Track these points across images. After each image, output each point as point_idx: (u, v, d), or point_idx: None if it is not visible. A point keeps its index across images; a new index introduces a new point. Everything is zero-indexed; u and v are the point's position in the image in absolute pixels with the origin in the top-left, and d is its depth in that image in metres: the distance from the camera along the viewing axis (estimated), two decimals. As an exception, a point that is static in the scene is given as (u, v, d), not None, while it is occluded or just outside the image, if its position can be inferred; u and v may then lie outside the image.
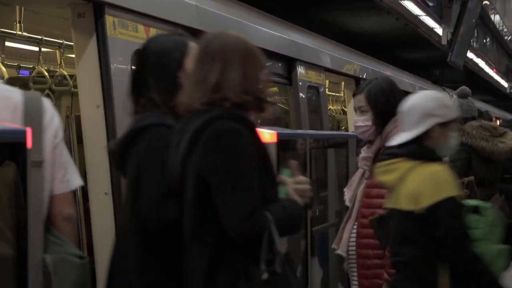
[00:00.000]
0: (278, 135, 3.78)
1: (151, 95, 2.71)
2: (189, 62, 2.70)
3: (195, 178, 2.44)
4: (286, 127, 6.57)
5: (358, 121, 3.68)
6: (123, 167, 2.70)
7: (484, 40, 24.22)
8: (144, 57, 2.79)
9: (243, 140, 2.43)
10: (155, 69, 2.73)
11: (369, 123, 3.63)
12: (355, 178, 3.81)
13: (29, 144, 2.00)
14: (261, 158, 2.47)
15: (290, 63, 6.55)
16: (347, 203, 3.80)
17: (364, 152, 3.74)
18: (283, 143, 4.15)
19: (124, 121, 3.90)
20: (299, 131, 6.12)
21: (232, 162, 2.39)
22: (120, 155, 2.69)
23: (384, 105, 3.64)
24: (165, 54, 2.73)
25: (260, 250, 2.38)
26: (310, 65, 6.95)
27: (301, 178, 2.58)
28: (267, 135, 3.72)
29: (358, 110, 3.70)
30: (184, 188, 2.48)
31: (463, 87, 6.53)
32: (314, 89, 7.10)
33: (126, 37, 4.02)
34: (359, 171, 3.79)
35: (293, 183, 2.55)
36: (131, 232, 2.60)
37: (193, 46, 2.76)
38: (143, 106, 2.73)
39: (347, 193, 3.82)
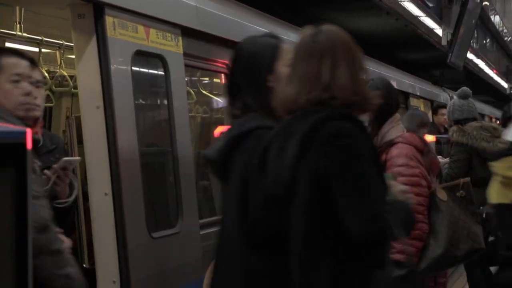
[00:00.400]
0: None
1: (245, 99, 2.64)
2: (281, 65, 2.65)
3: (311, 182, 2.33)
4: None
5: None
6: (224, 174, 2.63)
7: (484, 41, 24.22)
8: (235, 60, 2.74)
9: (359, 140, 2.35)
10: (246, 72, 2.67)
11: (365, 124, 3.63)
12: None
13: (29, 145, 2.00)
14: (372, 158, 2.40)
15: (290, 63, 6.54)
16: None
17: None
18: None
19: (124, 122, 3.91)
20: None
21: (353, 164, 2.31)
22: (222, 162, 2.63)
23: (381, 106, 3.65)
24: (255, 57, 2.67)
25: (381, 253, 2.32)
26: (310, 66, 6.94)
27: (404, 187, 2.54)
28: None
29: None
30: (293, 193, 2.37)
31: (464, 88, 6.52)
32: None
33: (126, 37, 4.02)
34: None
35: (397, 187, 2.49)
36: (237, 240, 2.54)
37: (285, 49, 2.71)
38: (240, 110, 2.66)
39: None
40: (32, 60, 3.04)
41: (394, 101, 3.68)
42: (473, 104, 6.29)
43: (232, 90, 2.71)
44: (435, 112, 9.92)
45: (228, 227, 2.62)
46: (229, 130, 2.66)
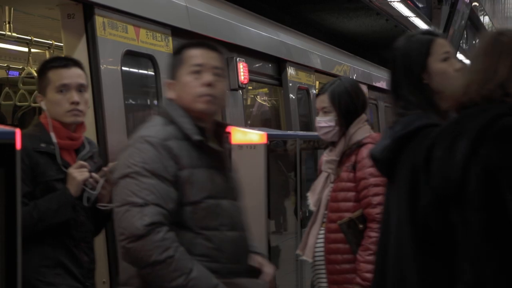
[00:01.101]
0: (268, 136, 3.78)
1: (406, 97, 2.64)
2: (434, 61, 2.64)
3: (483, 178, 2.31)
4: (277, 128, 6.57)
5: (321, 122, 3.62)
6: (391, 173, 2.63)
7: (474, 42, 24.30)
8: (393, 60, 2.74)
9: None
10: (402, 71, 2.67)
11: (333, 123, 3.57)
12: (318, 182, 3.74)
13: (18, 145, 2.00)
14: None
15: (280, 64, 6.55)
16: (312, 207, 3.75)
17: (327, 155, 3.68)
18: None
19: (114, 122, 3.90)
20: (289, 132, 6.13)
21: None
22: (389, 162, 2.61)
23: (348, 105, 3.60)
24: (408, 56, 2.67)
25: None
26: (300, 66, 6.96)
27: None
28: (256, 136, 3.71)
29: (321, 110, 3.65)
30: (464, 191, 2.35)
31: None
32: (304, 90, 7.10)
33: (116, 38, 4.02)
34: (323, 175, 3.69)
35: None
36: (409, 240, 2.52)
37: (439, 43, 2.68)
38: (403, 108, 2.64)
39: (311, 198, 3.76)
40: (219, 50, 2.77)
41: (361, 101, 3.65)
42: None
43: (395, 89, 2.72)
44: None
45: (394, 226, 2.60)
46: (395, 128, 2.65)
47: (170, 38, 4.56)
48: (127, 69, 4.19)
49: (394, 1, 10.93)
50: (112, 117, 3.88)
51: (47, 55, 5.40)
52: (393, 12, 11.28)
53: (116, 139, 3.89)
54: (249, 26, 6.01)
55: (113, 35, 3.99)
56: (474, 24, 22.84)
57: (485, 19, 26.20)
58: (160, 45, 4.45)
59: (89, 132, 3.79)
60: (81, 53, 3.82)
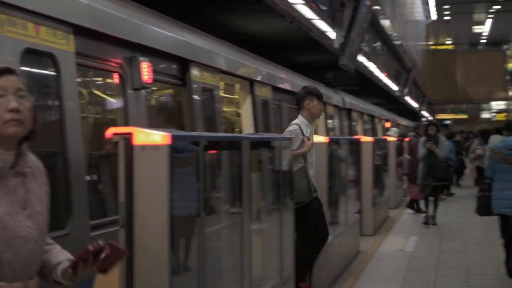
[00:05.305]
0: (172, 137, 3.75)
1: None
2: None
3: None
4: (180, 129, 6.54)
5: None
6: None
7: (375, 44, 24.88)
8: None
9: None
10: None
11: None
12: None
13: None
14: None
15: (184, 64, 6.53)
16: None
17: None
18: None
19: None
20: (193, 132, 6.11)
21: None
22: None
23: None
24: None
25: None
26: (204, 67, 6.95)
27: None
28: (159, 136, 3.68)
29: None
30: None
31: None
32: (208, 91, 7.10)
33: (15, 35, 3.91)
34: None
35: None
36: None
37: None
38: None
39: None
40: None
41: None
42: None
43: None
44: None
45: None
46: None
47: (71, 36, 4.47)
48: (26, 67, 4.08)
49: (297, 4, 11.07)
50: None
51: None
52: (297, 14, 11.43)
53: (14, 139, 3.78)
54: (153, 25, 5.96)
55: (12, 32, 3.88)
56: (375, 27, 23.39)
57: (386, 23, 26.84)
58: (61, 43, 4.36)
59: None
60: (-23, 51, 3.70)
